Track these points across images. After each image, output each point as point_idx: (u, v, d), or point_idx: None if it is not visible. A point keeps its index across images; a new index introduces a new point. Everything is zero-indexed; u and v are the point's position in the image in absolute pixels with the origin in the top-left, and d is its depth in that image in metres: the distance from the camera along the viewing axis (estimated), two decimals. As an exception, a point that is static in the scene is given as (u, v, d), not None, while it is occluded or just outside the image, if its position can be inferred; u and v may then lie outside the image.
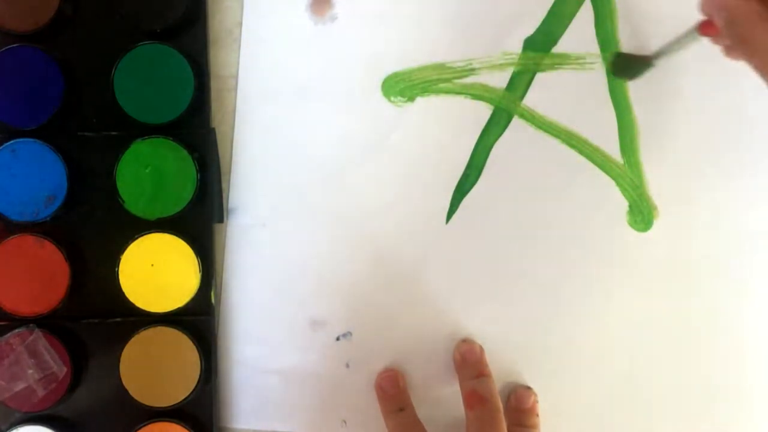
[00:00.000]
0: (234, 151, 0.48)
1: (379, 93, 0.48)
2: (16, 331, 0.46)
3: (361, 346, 0.49)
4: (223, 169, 0.48)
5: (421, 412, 0.47)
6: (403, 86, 0.48)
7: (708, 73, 0.48)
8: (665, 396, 0.49)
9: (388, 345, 0.49)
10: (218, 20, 0.48)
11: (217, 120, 0.48)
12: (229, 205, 0.48)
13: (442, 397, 0.48)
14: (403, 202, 0.48)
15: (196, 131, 0.47)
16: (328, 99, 0.48)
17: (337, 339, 0.49)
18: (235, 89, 0.48)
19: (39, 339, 0.46)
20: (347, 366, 0.49)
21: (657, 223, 0.48)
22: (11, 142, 0.45)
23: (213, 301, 0.48)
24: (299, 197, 0.48)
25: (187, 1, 0.46)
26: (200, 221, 0.47)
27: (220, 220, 0.48)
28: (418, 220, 0.49)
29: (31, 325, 0.46)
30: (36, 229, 0.46)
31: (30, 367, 0.46)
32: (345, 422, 0.49)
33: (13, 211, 0.46)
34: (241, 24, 0.48)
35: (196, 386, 0.46)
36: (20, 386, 0.46)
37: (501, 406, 0.46)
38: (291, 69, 0.48)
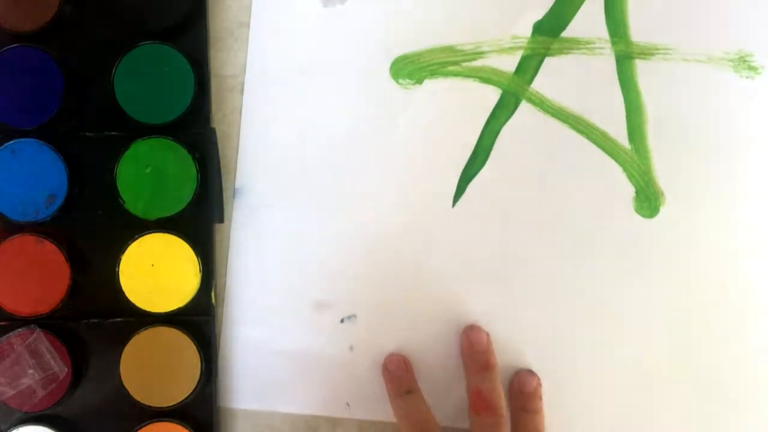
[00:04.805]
0: (241, 133, 0.48)
1: (387, 75, 0.48)
2: (18, 331, 0.46)
3: (365, 328, 0.49)
4: (224, 169, 0.48)
5: (425, 396, 0.47)
6: (412, 69, 0.48)
7: (716, 59, 0.48)
8: (671, 381, 0.49)
9: (393, 328, 0.49)
10: (218, 20, 0.48)
11: (217, 120, 0.48)
12: (236, 186, 0.48)
13: (446, 381, 0.48)
14: (409, 184, 0.48)
15: (196, 131, 0.47)
16: (336, 81, 0.48)
17: (342, 321, 0.48)
18: (237, 89, 0.48)
19: (40, 339, 0.46)
20: (351, 348, 0.49)
21: (663, 210, 0.48)
22: (11, 142, 0.45)
23: (213, 301, 0.48)
24: (306, 179, 0.48)
25: (187, 1, 0.46)
26: (200, 221, 0.47)
27: (221, 220, 0.48)
28: (424, 203, 0.48)
29: (32, 325, 0.46)
30: (36, 229, 0.46)
31: (31, 367, 0.46)
32: (348, 405, 0.49)
33: (13, 211, 0.46)
34: (241, 24, 0.48)
35: (196, 386, 0.46)
36: (21, 386, 0.46)
37: (505, 411, 0.46)
38: (300, 51, 0.48)
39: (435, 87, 0.48)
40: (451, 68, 0.48)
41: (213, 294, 0.48)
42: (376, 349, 0.49)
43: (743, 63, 0.48)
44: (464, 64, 0.48)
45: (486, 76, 0.48)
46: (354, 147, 0.48)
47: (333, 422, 0.50)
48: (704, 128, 0.48)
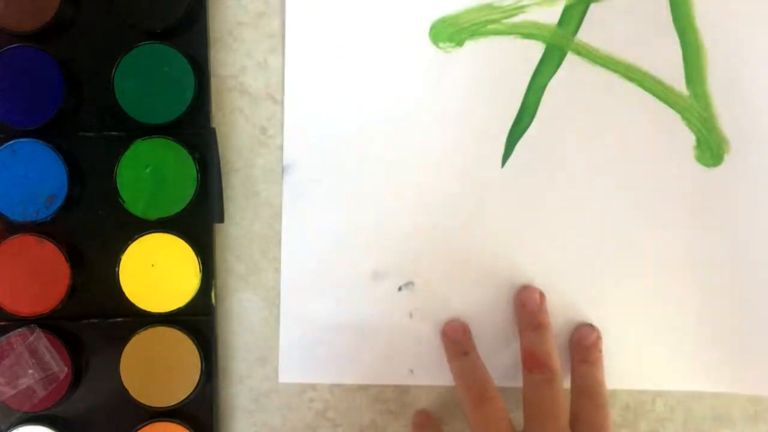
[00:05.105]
0: (285, 109, 0.48)
1: (427, 40, 0.47)
2: (18, 330, 0.46)
3: (423, 295, 0.48)
4: (224, 169, 0.48)
5: (484, 357, 0.47)
6: (452, 31, 0.47)
7: None
8: (734, 335, 0.48)
9: (451, 292, 0.48)
10: (218, 20, 0.48)
11: (217, 120, 0.48)
12: (284, 163, 0.48)
13: (504, 342, 0.48)
14: (457, 147, 0.48)
15: (196, 131, 0.47)
16: (376, 49, 0.47)
17: (399, 289, 0.48)
18: (237, 89, 0.48)
19: (40, 339, 0.46)
20: (411, 315, 0.48)
21: (728, 158, 0.46)
22: (11, 142, 0.45)
23: (213, 301, 0.48)
24: (353, 150, 0.48)
25: (187, 1, 0.46)
26: (200, 221, 0.47)
27: (220, 220, 0.48)
28: (473, 166, 0.48)
29: (32, 325, 0.46)
30: (36, 229, 0.46)
31: (31, 367, 0.46)
32: (412, 371, 0.49)
33: (13, 211, 0.46)
34: (241, 23, 0.48)
35: (196, 386, 0.46)
36: (21, 386, 0.46)
37: (559, 367, 0.46)
38: (338, 23, 0.47)
39: (477, 47, 0.47)
40: (491, 27, 0.47)
41: (213, 294, 0.48)
42: (436, 314, 0.48)
43: None
44: (505, 21, 0.47)
45: (528, 32, 0.47)
46: (398, 114, 0.48)
47: (333, 423, 0.50)
48: None
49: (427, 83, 0.48)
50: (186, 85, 0.46)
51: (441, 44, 0.47)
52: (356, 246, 0.48)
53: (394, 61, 0.47)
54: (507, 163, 0.48)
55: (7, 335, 0.46)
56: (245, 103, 0.49)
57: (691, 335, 0.48)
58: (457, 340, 0.48)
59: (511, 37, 0.47)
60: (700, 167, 0.47)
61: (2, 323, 0.47)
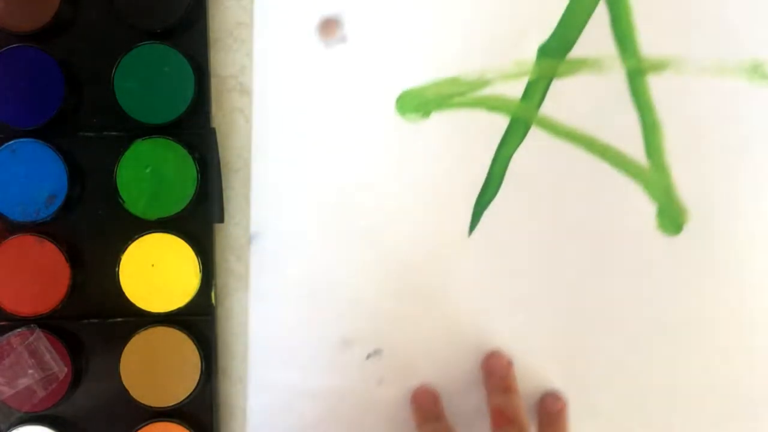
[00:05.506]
0: (252, 177, 0.48)
1: (393, 111, 0.48)
2: (17, 330, 0.46)
3: (392, 362, 0.49)
4: (223, 169, 0.48)
5: (453, 424, 0.47)
6: (417, 103, 0.47)
7: (729, 69, 0.47)
8: (696, 400, 0.48)
9: (419, 360, 0.49)
10: (218, 20, 0.48)
11: (217, 120, 0.48)
12: (252, 230, 0.48)
13: (473, 407, 0.48)
14: (424, 217, 0.48)
15: (196, 131, 0.47)
16: (343, 120, 0.48)
17: (368, 357, 0.48)
18: (237, 89, 0.48)
19: (40, 339, 0.46)
20: (380, 383, 0.49)
21: (688, 226, 0.48)
22: (11, 142, 0.45)
23: (213, 301, 0.48)
24: (321, 219, 0.48)
25: (187, 1, 0.46)
26: (200, 221, 0.47)
27: (221, 220, 0.48)
28: (440, 235, 0.48)
29: (32, 325, 0.46)
30: (36, 229, 0.46)
31: (31, 367, 0.46)
32: None
33: (13, 211, 0.46)
34: (241, 24, 0.48)
35: (196, 386, 0.46)
36: (21, 386, 0.46)
37: (528, 425, 0.46)
38: (305, 94, 0.48)
39: (443, 119, 0.48)
40: (457, 99, 0.47)
41: (213, 294, 0.48)
42: (405, 381, 0.49)
43: (757, 72, 0.47)
44: (470, 94, 0.47)
45: (493, 105, 0.47)
46: (366, 184, 0.48)
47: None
48: (724, 141, 0.47)
49: (394, 153, 0.48)
50: (186, 85, 0.46)
51: (407, 116, 0.48)
52: (324, 314, 0.48)
53: (361, 132, 0.48)
54: (474, 232, 0.48)
55: (7, 335, 0.46)
56: (245, 103, 0.49)
57: (659, 403, 0.49)
58: (427, 407, 0.48)
59: (477, 109, 0.48)
60: (662, 235, 0.48)
61: (2, 323, 0.47)
